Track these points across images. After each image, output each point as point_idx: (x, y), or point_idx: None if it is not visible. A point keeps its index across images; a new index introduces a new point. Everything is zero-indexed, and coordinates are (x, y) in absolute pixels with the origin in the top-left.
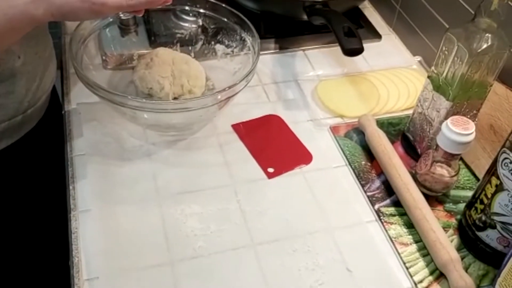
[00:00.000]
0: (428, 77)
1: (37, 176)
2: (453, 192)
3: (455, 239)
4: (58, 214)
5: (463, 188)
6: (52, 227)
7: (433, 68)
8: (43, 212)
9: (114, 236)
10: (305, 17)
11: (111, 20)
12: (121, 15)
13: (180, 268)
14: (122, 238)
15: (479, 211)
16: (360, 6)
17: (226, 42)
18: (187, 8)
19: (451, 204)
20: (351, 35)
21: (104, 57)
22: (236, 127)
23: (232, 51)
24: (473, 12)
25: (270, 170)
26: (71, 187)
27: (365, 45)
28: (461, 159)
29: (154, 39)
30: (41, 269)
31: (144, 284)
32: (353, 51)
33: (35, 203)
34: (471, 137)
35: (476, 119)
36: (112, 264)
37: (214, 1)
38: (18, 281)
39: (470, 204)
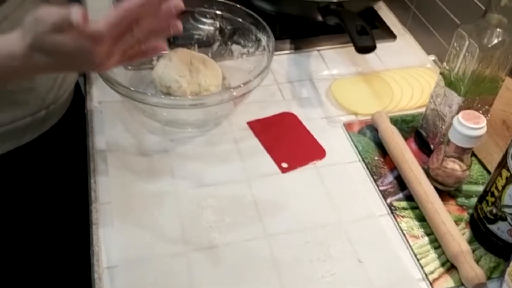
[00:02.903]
0: (440, 73)
1: (59, 169)
2: (465, 187)
3: (467, 232)
4: (79, 206)
5: (475, 183)
6: (73, 218)
7: (445, 64)
8: (65, 204)
9: (132, 226)
10: (319, 17)
11: None
12: None
13: (195, 257)
14: (140, 229)
15: (490, 204)
16: (375, 7)
17: (242, 42)
18: (205, 10)
19: (463, 198)
20: (364, 33)
21: None
22: (252, 124)
23: (248, 51)
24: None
25: (284, 165)
26: (92, 181)
27: (379, 45)
28: (474, 154)
29: (173, 40)
30: (64, 258)
31: (160, 272)
32: (366, 48)
33: (57, 195)
34: (482, 131)
35: (489, 115)
36: (130, 253)
37: (230, 2)
38: (41, 268)
39: (481, 197)
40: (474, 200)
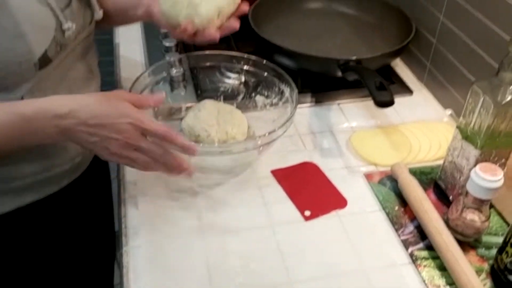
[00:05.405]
0: (457, 127)
1: (88, 214)
2: (485, 238)
3: (488, 283)
4: (107, 250)
5: (495, 235)
6: (101, 261)
7: (461, 118)
8: (93, 248)
9: (161, 269)
10: (339, 73)
11: (165, 75)
12: (173, 73)
13: None
14: (169, 271)
15: (510, 254)
16: (392, 64)
17: (266, 94)
18: (230, 65)
19: (483, 249)
20: (383, 88)
21: (156, 109)
22: (275, 173)
23: (271, 102)
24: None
25: (307, 213)
26: (123, 226)
27: (397, 100)
28: (493, 206)
29: (200, 93)
30: None
31: None
32: (385, 103)
33: (87, 238)
34: (499, 183)
35: (506, 168)
36: None
37: (255, 58)
38: None
39: (501, 248)
40: (494, 251)
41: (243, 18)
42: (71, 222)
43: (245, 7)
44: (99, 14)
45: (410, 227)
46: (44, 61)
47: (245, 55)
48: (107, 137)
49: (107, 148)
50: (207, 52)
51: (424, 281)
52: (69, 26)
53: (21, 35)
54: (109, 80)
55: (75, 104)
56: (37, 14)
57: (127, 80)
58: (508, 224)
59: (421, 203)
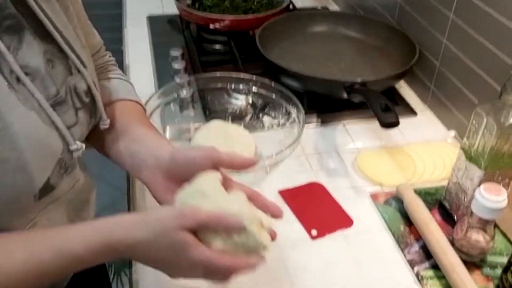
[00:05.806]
0: (461, 148)
1: None
2: (490, 258)
3: None
4: None
5: (500, 255)
6: None
7: (465, 139)
8: None
9: None
10: (345, 95)
11: (174, 96)
12: (182, 95)
13: None
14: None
15: None
16: (396, 86)
17: (273, 114)
18: (238, 86)
19: (488, 269)
20: (388, 110)
21: (165, 129)
22: (283, 193)
23: (278, 122)
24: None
25: (314, 232)
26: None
27: (401, 121)
28: (497, 227)
29: (209, 114)
30: None
31: None
32: (390, 124)
33: None
34: (503, 204)
35: (509, 188)
36: None
37: (262, 79)
38: None
39: (506, 268)
40: (499, 271)
41: (250, 41)
42: None
43: None
44: (106, 122)
45: (416, 247)
46: (45, 190)
47: (253, 77)
48: (169, 273)
49: (174, 274)
50: (216, 74)
51: None
52: (78, 146)
53: (23, 165)
54: None
55: (130, 239)
56: (43, 139)
57: None
58: None
59: (427, 223)
